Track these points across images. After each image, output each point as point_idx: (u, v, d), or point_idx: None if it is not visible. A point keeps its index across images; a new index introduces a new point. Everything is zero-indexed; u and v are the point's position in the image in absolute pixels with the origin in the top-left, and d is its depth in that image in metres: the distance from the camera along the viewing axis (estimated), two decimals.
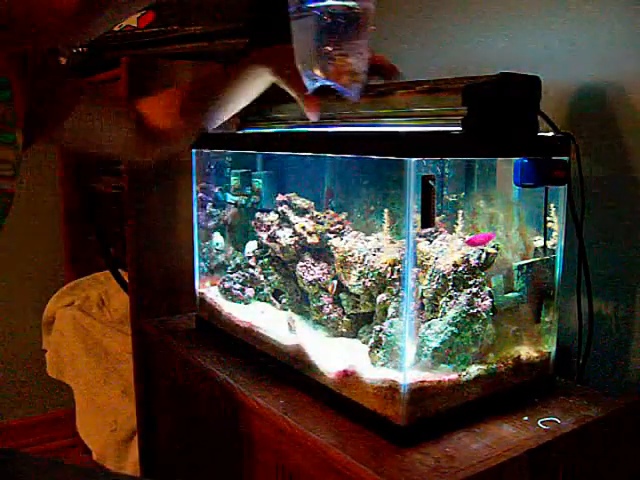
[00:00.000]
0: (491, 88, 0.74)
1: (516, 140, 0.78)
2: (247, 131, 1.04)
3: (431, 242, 0.85)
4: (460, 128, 0.72)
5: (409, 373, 0.74)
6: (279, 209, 1.03)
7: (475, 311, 0.78)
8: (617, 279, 0.97)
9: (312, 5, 0.71)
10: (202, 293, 1.15)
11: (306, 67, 0.76)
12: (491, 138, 0.75)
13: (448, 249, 0.82)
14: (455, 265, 0.79)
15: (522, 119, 0.79)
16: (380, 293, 0.85)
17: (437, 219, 0.86)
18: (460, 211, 0.86)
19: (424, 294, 0.81)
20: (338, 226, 0.97)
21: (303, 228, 0.99)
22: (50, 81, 0.82)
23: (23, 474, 0.79)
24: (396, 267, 0.83)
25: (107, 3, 0.64)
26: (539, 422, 0.78)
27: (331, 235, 0.96)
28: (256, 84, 0.93)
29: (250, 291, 1.09)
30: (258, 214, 1.08)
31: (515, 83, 0.77)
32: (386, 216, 0.88)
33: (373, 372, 0.78)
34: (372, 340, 0.81)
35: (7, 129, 0.71)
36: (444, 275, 0.79)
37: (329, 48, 0.73)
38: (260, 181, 1.13)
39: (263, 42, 1.24)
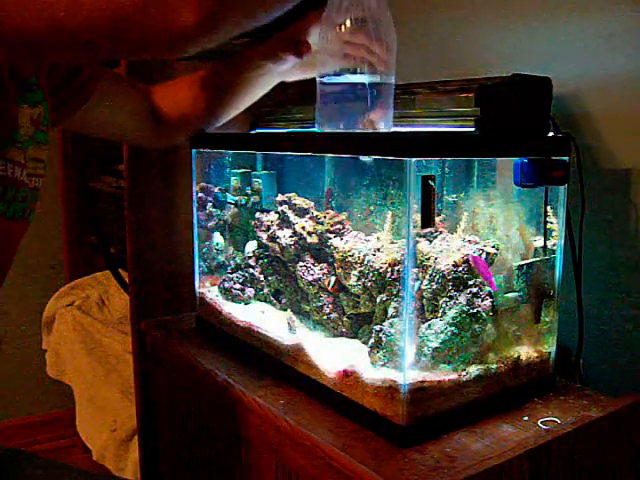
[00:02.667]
0: (504, 89, 0.75)
1: (528, 140, 0.79)
2: (259, 131, 1.04)
3: (431, 242, 0.85)
4: (472, 129, 0.72)
5: (409, 373, 0.74)
6: (279, 209, 1.03)
7: (475, 311, 0.78)
8: (618, 278, 0.97)
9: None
10: (202, 293, 1.15)
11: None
12: (505, 138, 0.76)
13: (448, 249, 0.82)
14: (455, 265, 0.79)
15: (534, 119, 0.79)
16: (380, 293, 0.85)
17: (437, 219, 0.86)
18: (460, 211, 0.86)
19: (424, 294, 0.81)
20: (338, 226, 0.97)
21: (303, 228, 0.99)
22: (67, 69, 0.82)
23: (31, 474, 0.79)
24: (396, 267, 0.83)
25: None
26: (539, 422, 0.78)
27: (331, 235, 0.96)
28: (256, 79, 0.93)
29: (250, 291, 1.09)
30: (258, 214, 1.08)
31: (527, 84, 0.77)
32: (386, 216, 0.88)
33: (373, 372, 0.78)
34: (372, 340, 0.81)
35: (42, 129, 0.71)
36: (444, 275, 0.79)
37: None
38: (260, 181, 1.13)
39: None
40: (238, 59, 0.92)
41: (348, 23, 0.77)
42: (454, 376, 0.77)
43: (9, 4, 0.50)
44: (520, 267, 0.84)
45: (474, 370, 0.79)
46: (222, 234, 1.19)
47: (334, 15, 0.78)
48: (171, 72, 1.23)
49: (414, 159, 0.69)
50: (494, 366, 0.80)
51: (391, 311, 0.81)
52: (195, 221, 1.17)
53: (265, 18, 0.63)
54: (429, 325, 0.78)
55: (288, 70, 0.90)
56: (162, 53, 0.59)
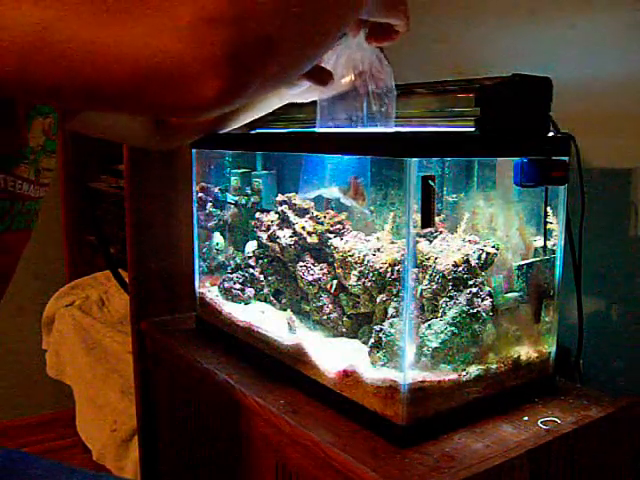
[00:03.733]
0: (504, 89, 0.75)
1: (528, 140, 0.79)
2: (258, 131, 1.04)
3: (431, 242, 0.85)
4: (472, 129, 0.72)
5: (409, 373, 0.74)
6: (279, 209, 1.03)
7: (475, 311, 0.78)
8: (618, 278, 0.97)
9: None
10: (202, 293, 1.15)
11: None
12: (505, 138, 0.76)
13: (448, 249, 0.82)
14: (455, 265, 0.79)
15: (534, 119, 0.79)
16: (380, 293, 0.85)
17: (437, 219, 0.86)
18: (460, 211, 0.86)
19: (424, 294, 0.81)
20: (338, 226, 0.97)
21: (303, 228, 0.99)
22: None
23: (32, 476, 0.79)
24: (396, 267, 0.83)
25: None
26: (539, 422, 0.78)
27: (331, 235, 0.96)
28: (269, 99, 0.93)
29: (250, 291, 1.09)
30: (258, 214, 1.08)
31: (528, 84, 0.77)
32: (386, 216, 0.88)
33: (373, 372, 0.78)
34: (372, 340, 0.81)
35: (52, 138, 0.71)
36: (444, 275, 0.79)
37: None
38: (260, 181, 1.13)
39: None
40: None
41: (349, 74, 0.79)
42: (454, 376, 0.77)
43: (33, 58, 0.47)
44: (520, 267, 0.84)
45: (474, 370, 0.78)
46: (222, 234, 1.19)
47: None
48: None
49: (414, 159, 0.69)
50: (494, 366, 0.80)
51: (391, 311, 0.81)
52: (195, 221, 1.17)
53: (295, 78, 0.61)
54: (429, 325, 0.78)
55: (300, 92, 0.91)
56: (185, 117, 0.56)
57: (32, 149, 0.67)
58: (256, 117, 0.97)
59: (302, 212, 1.01)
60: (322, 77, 0.81)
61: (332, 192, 0.96)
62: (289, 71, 0.52)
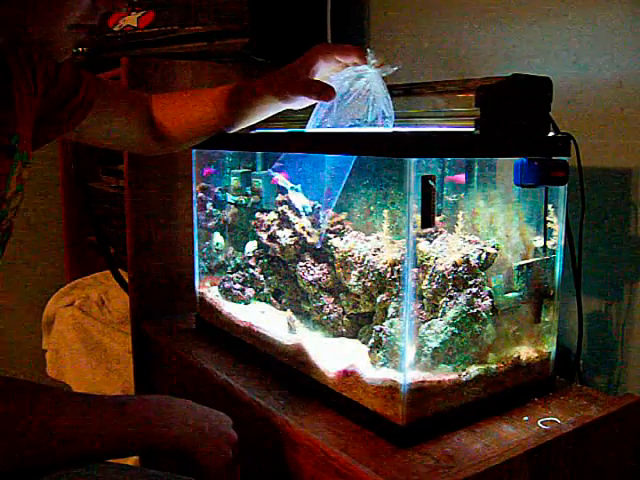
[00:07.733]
0: (504, 89, 0.75)
1: (528, 140, 0.79)
2: (259, 131, 1.04)
3: (431, 242, 0.85)
4: (472, 129, 0.72)
5: (409, 373, 0.74)
6: (279, 209, 1.03)
7: (475, 311, 0.78)
8: (617, 278, 0.97)
9: None
10: (202, 293, 1.15)
11: None
12: (504, 139, 0.76)
13: (448, 249, 0.82)
14: (455, 265, 0.79)
15: (534, 119, 0.79)
16: (380, 293, 0.85)
17: (437, 219, 0.86)
18: (460, 211, 0.86)
19: (424, 294, 0.81)
20: (338, 226, 0.97)
21: (303, 228, 0.99)
22: (66, 87, 0.83)
23: None
24: (396, 267, 0.83)
25: None
26: (539, 422, 0.78)
27: (331, 235, 0.96)
28: (266, 109, 0.93)
29: (250, 291, 1.09)
30: (258, 214, 1.08)
31: (527, 84, 0.77)
32: (386, 216, 0.88)
33: (373, 372, 0.78)
34: (372, 340, 0.81)
35: (22, 180, 0.72)
36: (444, 275, 0.79)
37: None
38: (260, 181, 1.13)
39: (264, 44, 1.24)
40: (249, 90, 0.92)
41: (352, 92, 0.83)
42: (454, 376, 0.77)
43: None
44: (520, 267, 0.84)
45: (474, 370, 0.78)
46: (222, 234, 1.19)
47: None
48: (171, 77, 1.23)
49: (414, 159, 0.69)
50: (494, 366, 0.80)
51: (391, 311, 0.81)
52: (195, 221, 1.17)
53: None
54: (429, 325, 0.78)
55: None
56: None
57: (10, 201, 0.69)
58: (251, 123, 0.97)
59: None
60: (326, 93, 0.84)
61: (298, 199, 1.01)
62: None
